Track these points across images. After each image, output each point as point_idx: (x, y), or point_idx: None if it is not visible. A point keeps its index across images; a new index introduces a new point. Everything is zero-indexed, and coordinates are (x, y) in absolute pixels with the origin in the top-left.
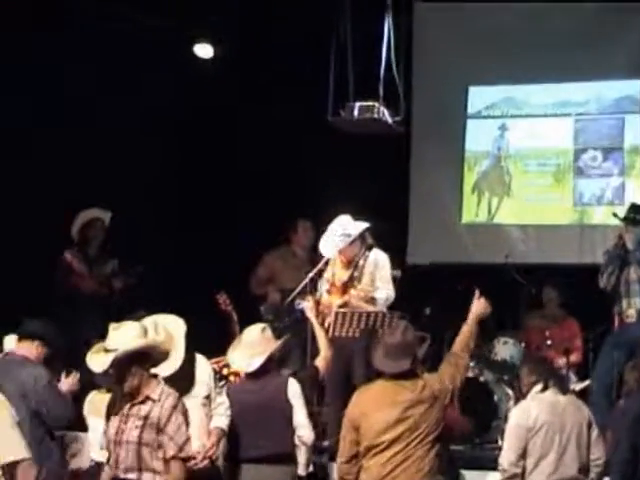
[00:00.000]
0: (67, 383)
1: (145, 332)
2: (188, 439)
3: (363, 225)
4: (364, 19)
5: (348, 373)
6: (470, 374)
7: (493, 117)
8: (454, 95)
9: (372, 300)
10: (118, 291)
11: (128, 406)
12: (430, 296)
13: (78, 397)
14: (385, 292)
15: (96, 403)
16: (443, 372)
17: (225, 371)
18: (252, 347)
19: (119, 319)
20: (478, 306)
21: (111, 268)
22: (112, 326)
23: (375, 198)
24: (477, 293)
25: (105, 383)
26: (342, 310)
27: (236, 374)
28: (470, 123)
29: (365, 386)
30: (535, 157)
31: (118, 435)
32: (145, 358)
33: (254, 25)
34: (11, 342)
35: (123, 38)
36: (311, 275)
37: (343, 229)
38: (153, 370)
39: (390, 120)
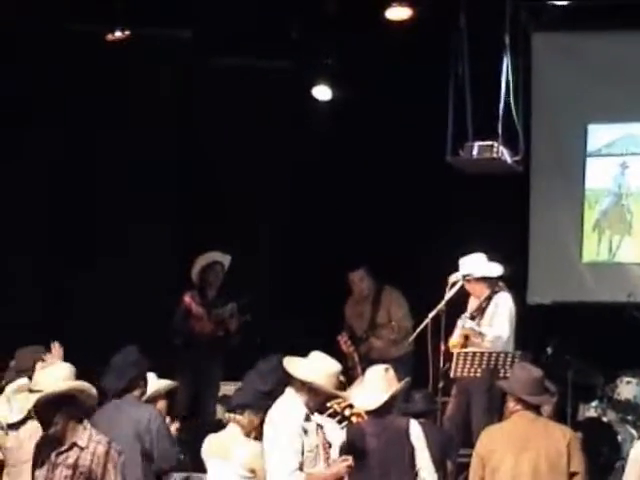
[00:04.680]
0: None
1: (73, 374)
2: None
3: (485, 270)
4: (482, 58)
5: (469, 415)
6: (593, 414)
7: (613, 155)
8: (573, 133)
9: (480, 335)
10: (234, 332)
11: (55, 454)
12: (552, 335)
13: (198, 440)
14: (496, 330)
15: (214, 445)
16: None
17: (347, 412)
18: (375, 385)
19: (236, 360)
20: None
21: (229, 312)
22: (39, 365)
23: (495, 237)
24: None
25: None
26: (463, 350)
27: (358, 415)
28: (590, 161)
29: (496, 424)
30: None
31: None
32: (71, 402)
33: (372, 66)
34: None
35: (245, 81)
36: (431, 315)
37: (468, 268)
38: None
39: (509, 159)
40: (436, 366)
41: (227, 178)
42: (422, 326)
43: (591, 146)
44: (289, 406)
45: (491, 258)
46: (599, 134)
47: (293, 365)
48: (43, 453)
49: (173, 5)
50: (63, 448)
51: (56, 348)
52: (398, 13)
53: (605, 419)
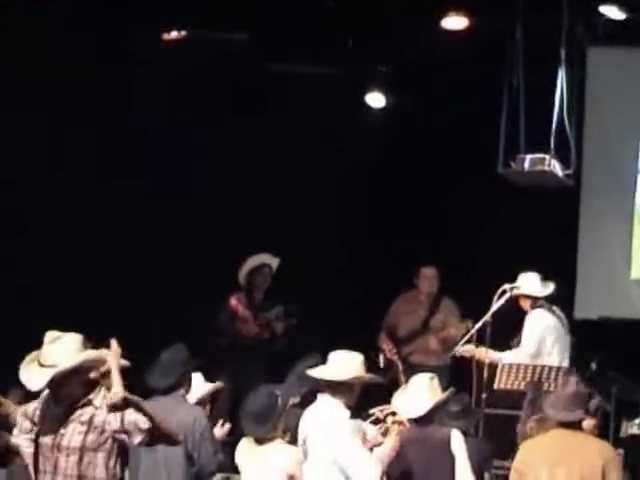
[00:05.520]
0: (220, 432)
1: (83, 345)
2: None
3: (529, 289)
4: (537, 70)
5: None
6: (636, 431)
7: None
8: (625, 149)
9: (498, 359)
10: (280, 335)
11: (69, 411)
12: (597, 350)
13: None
14: (513, 355)
15: (249, 449)
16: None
17: (389, 420)
18: (419, 394)
19: (282, 363)
20: None
21: (275, 314)
22: (47, 339)
23: (544, 250)
24: None
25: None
26: (508, 363)
27: (400, 423)
28: None
29: (534, 438)
30: None
31: (57, 439)
32: (85, 372)
33: (427, 75)
34: None
35: (296, 87)
36: (478, 326)
37: (518, 282)
38: None
39: (560, 173)
40: (479, 377)
41: (277, 182)
42: (467, 336)
43: None
44: (335, 411)
45: (544, 277)
46: None
47: (321, 372)
48: (52, 412)
49: (230, 8)
50: (78, 404)
51: (114, 346)
52: (455, 23)
53: None
